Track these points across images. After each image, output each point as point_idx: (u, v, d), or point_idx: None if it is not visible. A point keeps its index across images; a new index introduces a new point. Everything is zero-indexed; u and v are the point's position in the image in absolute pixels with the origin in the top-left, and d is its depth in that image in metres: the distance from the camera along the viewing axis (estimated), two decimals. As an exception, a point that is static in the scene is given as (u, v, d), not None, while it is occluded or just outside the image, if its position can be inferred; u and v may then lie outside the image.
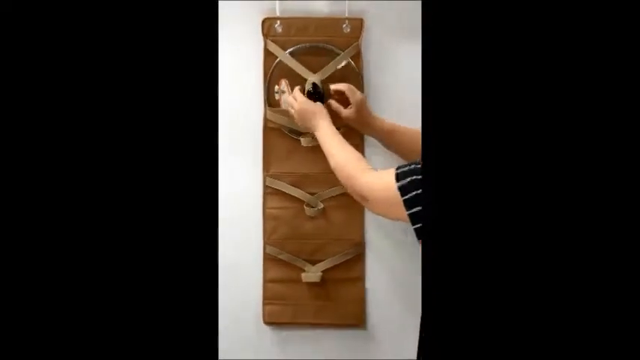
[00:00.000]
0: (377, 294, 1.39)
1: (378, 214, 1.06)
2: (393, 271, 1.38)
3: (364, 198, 1.04)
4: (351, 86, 1.25)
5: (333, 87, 1.27)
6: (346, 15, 1.33)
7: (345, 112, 1.24)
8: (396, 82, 1.35)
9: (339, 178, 1.13)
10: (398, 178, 0.95)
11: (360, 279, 1.38)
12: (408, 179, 0.94)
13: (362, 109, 1.24)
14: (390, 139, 1.26)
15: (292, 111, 1.24)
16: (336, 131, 1.18)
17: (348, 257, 1.37)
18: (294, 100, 1.23)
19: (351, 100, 1.23)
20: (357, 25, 1.33)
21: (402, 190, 0.94)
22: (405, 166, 0.97)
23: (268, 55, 1.33)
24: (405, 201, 0.93)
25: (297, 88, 1.27)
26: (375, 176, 1.03)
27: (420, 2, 1.25)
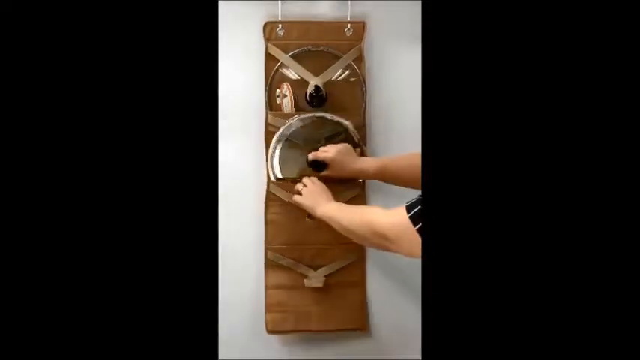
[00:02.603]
0: (379, 298, 1.39)
1: (406, 254, 0.99)
2: (394, 275, 1.38)
3: (387, 238, 1.00)
4: (319, 154, 1.28)
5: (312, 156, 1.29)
6: (348, 18, 1.32)
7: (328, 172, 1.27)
8: (399, 86, 1.35)
9: (359, 240, 1.11)
10: (408, 210, 0.93)
11: (362, 283, 1.38)
12: (417, 209, 0.92)
13: (343, 163, 1.26)
14: (383, 177, 1.26)
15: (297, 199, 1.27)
16: (339, 205, 1.19)
17: (350, 261, 1.36)
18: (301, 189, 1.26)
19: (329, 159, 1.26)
20: (359, 28, 1.32)
21: (414, 220, 0.92)
22: (414, 199, 0.95)
23: (270, 58, 1.32)
24: (418, 230, 0.91)
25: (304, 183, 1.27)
26: (387, 214, 1.01)
27: (422, 5, 1.25)
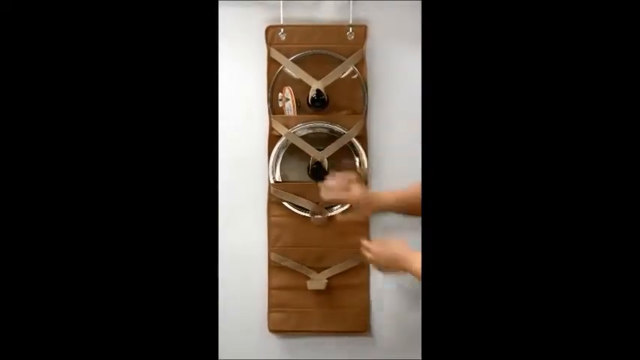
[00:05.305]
0: (381, 301, 1.39)
1: None
2: (396, 278, 1.37)
3: None
4: (345, 193, 1.17)
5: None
6: (350, 22, 1.32)
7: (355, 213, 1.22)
8: (400, 89, 1.35)
9: None
10: None
11: (365, 286, 1.38)
12: None
13: (366, 201, 1.17)
14: (402, 208, 1.18)
15: (369, 256, 1.12)
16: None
17: (353, 264, 1.36)
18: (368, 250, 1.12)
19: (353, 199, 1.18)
20: (361, 32, 1.32)
21: None
22: None
23: (272, 62, 1.33)
24: None
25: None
26: None
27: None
